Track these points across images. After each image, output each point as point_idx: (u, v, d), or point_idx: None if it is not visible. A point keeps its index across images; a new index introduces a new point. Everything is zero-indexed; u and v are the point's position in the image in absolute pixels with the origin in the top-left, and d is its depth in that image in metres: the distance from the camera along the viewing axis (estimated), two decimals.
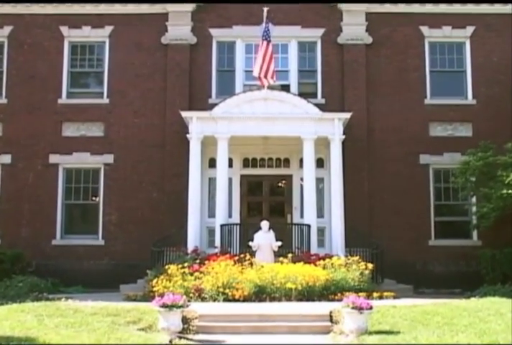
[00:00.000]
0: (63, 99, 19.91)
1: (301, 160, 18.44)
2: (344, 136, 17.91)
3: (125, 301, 14.15)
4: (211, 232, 18.29)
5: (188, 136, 17.87)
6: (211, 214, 18.69)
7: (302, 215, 18.41)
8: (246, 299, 13.72)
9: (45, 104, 19.79)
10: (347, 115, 17.98)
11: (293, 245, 16.90)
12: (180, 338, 10.64)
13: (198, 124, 17.74)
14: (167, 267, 15.02)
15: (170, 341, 10.31)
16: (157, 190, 19.34)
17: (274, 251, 16.04)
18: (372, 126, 19.62)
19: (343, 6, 19.88)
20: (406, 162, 19.47)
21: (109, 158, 19.62)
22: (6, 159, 19.53)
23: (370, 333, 10.50)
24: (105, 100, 19.88)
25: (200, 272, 14.56)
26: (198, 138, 17.76)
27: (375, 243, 16.99)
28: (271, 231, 16.28)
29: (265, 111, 17.76)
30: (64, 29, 20.05)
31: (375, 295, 14.53)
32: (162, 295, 11.50)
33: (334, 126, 17.77)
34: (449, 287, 17.80)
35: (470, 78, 19.93)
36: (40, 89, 19.83)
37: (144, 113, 19.76)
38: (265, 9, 18.00)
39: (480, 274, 17.56)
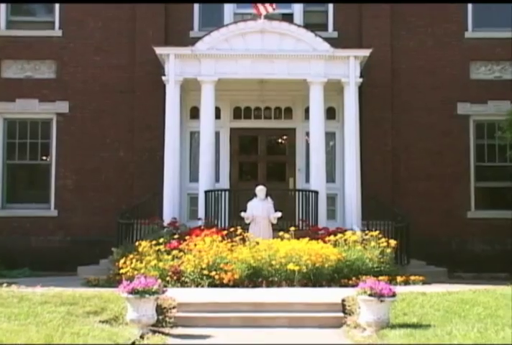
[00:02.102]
0: (2, 30, 19.69)
1: (307, 110, 18.35)
2: (361, 80, 17.82)
3: (84, 287, 14.15)
4: (193, 200, 18.32)
5: (163, 78, 17.74)
6: (194, 178, 18.72)
7: (308, 180, 18.40)
8: (237, 283, 13.76)
9: None
10: (366, 52, 17.84)
11: (296, 216, 16.95)
12: (154, 332, 10.64)
13: (176, 64, 17.60)
14: (137, 243, 15.03)
15: (141, 336, 10.30)
16: (125, 148, 19.28)
17: (272, 224, 16.05)
18: (398, 66, 19.49)
19: None
20: (440, 112, 19.40)
21: (63, 106, 19.47)
22: None
23: (393, 326, 10.49)
24: (57, 31, 19.63)
25: (180, 250, 14.58)
26: (176, 81, 17.65)
27: (399, 214, 16.98)
28: (269, 198, 16.26)
29: (262, 47, 17.65)
30: None
31: (399, 279, 14.58)
32: (131, 279, 11.50)
33: (348, 67, 17.67)
34: (493, 270, 17.86)
35: None
36: None
37: (108, 49, 19.55)
38: None
39: None
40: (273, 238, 15.39)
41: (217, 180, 18.43)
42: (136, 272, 13.65)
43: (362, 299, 10.72)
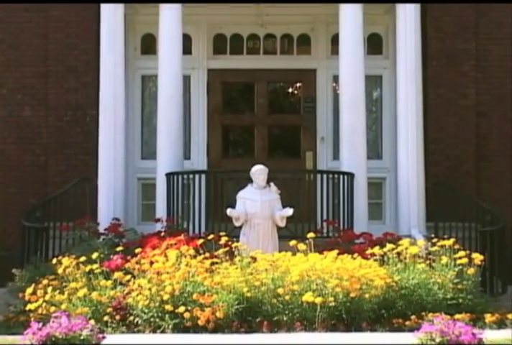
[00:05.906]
0: None
1: (335, 40, 18.57)
2: None
3: None
4: (148, 189, 18.80)
5: None
6: (148, 153, 19.17)
7: (336, 155, 18.67)
8: (221, 326, 13.71)
9: None
10: None
11: (317, 215, 17.18)
12: None
13: None
14: (56, 261, 15.04)
15: None
16: (34, 103, 19.51)
17: (278, 229, 16.06)
18: None
19: None
20: None
21: None
22: None
23: None
24: None
25: (127, 272, 14.58)
26: None
27: (487, 211, 17.02)
28: (272, 186, 16.21)
29: None
30: None
31: (490, 318, 14.53)
32: (45, 320, 11.54)
33: None
34: None
35: None
36: None
37: None
38: None
39: None
40: (280, 251, 15.39)
41: (187, 155, 18.61)
42: (53, 309, 13.64)
43: None
